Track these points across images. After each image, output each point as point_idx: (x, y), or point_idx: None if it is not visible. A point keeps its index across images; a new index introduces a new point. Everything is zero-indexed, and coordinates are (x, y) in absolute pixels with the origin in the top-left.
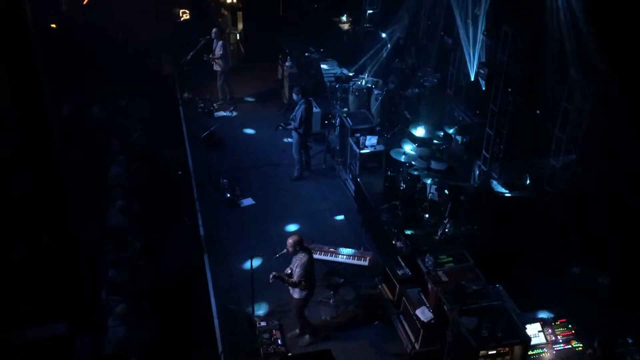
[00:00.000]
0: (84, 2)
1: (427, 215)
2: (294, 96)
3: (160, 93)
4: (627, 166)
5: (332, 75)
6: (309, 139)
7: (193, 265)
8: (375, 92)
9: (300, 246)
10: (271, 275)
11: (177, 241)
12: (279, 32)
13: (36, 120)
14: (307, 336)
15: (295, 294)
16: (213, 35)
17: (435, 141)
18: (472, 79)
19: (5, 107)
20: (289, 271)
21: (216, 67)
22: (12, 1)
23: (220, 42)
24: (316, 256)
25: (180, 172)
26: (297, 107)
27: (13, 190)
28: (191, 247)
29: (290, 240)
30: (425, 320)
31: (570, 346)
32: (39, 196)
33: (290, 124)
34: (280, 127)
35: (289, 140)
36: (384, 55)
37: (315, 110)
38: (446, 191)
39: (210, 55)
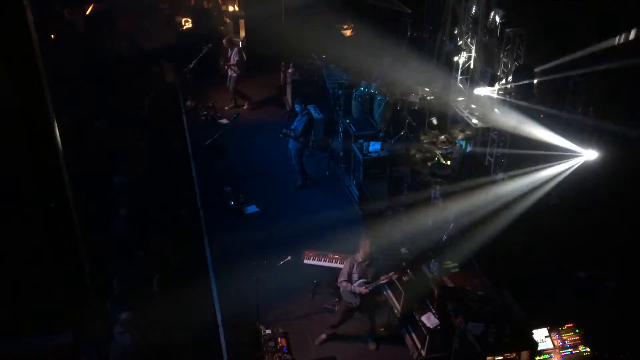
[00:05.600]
0: (87, 13)
1: (430, 220)
2: (297, 106)
3: (164, 101)
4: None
5: (335, 81)
6: (306, 150)
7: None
8: (378, 98)
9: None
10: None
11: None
12: (281, 39)
13: (41, 129)
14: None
15: (352, 295)
16: (225, 44)
17: (439, 146)
18: (475, 83)
19: (10, 115)
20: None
21: (231, 73)
22: (13, 10)
23: (235, 49)
24: (320, 263)
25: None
26: (299, 118)
27: (18, 200)
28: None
29: (367, 243)
30: (431, 327)
31: (577, 351)
32: (44, 205)
33: (291, 133)
34: (281, 135)
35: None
36: None
37: (319, 116)
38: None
39: (228, 63)
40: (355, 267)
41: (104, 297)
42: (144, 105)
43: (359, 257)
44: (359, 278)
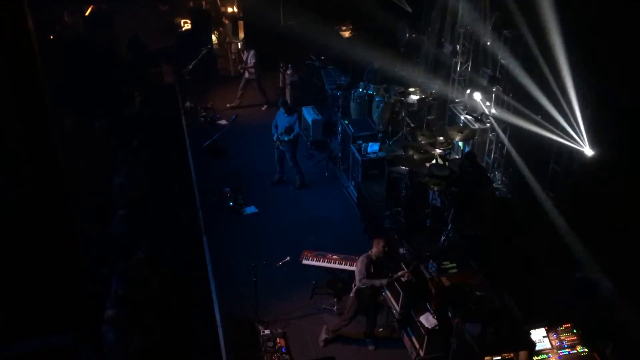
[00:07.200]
0: (86, 14)
1: (429, 221)
2: (283, 107)
3: (163, 102)
4: (629, 169)
5: (334, 82)
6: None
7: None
8: (377, 99)
9: None
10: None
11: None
12: (280, 40)
13: (40, 130)
14: None
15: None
16: (241, 46)
17: (437, 147)
18: (473, 85)
19: (8, 119)
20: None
21: (248, 75)
22: (14, 13)
23: (252, 51)
24: (319, 263)
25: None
26: (290, 117)
27: (18, 200)
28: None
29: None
30: (430, 327)
31: (575, 351)
32: (42, 207)
33: (290, 135)
34: (280, 138)
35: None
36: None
37: (317, 117)
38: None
39: (245, 66)
40: (371, 264)
41: (103, 298)
42: (132, 104)
43: (373, 254)
44: (375, 274)
